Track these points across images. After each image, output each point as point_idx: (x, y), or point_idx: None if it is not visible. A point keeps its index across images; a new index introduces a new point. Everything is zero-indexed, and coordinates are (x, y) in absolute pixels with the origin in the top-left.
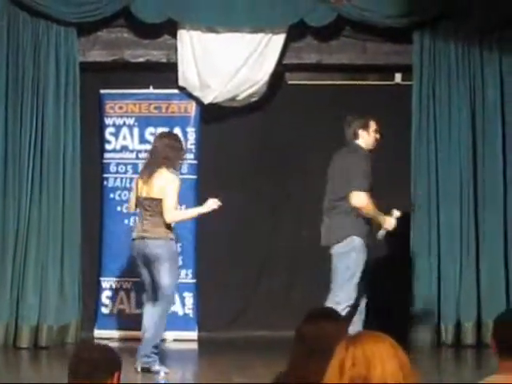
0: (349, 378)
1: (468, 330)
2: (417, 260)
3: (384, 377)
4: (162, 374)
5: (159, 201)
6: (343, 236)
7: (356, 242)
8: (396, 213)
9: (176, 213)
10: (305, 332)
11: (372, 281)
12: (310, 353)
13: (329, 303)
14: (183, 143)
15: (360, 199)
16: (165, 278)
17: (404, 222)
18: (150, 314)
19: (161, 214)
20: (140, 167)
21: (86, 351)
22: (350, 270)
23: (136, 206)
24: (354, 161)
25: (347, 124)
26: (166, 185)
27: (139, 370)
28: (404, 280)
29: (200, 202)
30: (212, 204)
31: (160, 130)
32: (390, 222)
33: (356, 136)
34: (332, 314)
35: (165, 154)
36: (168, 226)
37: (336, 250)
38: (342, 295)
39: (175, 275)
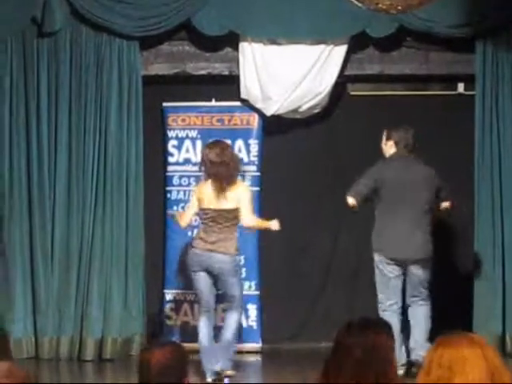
0: (435, 378)
1: None
2: (480, 267)
3: (469, 381)
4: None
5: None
6: (429, 251)
7: None
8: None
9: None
10: (353, 343)
11: (433, 288)
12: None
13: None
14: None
15: None
16: None
17: (467, 231)
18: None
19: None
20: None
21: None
22: None
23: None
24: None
25: (411, 133)
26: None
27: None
28: (466, 287)
29: (263, 213)
30: (276, 224)
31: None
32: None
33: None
34: (383, 323)
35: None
36: None
37: (429, 262)
38: None
39: None
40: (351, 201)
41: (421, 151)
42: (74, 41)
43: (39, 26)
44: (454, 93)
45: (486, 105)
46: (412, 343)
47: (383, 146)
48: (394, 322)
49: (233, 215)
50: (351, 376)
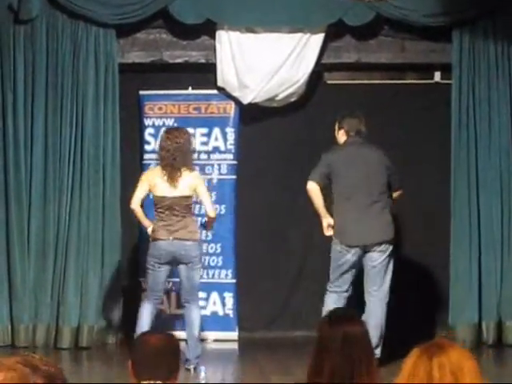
0: None
1: (510, 328)
2: (456, 257)
3: None
4: (202, 373)
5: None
6: (393, 233)
7: None
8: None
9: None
10: (329, 334)
11: (410, 279)
12: (327, 353)
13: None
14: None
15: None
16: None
17: (444, 219)
18: (195, 314)
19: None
20: None
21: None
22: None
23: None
24: (387, 157)
25: (362, 120)
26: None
27: (192, 370)
28: (443, 278)
29: (239, 201)
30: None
31: (199, 130)
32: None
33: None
34: (355, 316)
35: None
36: None
37: (388, 248)
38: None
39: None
40: (313, 185)
41: (397, 139)
42: (50, 28)
43: (16, 13)
44: (430, 81)
45: (463, 93)
46: None
47: (336, 135)
48: None
49: (188, 202)
50: (337, 368)
